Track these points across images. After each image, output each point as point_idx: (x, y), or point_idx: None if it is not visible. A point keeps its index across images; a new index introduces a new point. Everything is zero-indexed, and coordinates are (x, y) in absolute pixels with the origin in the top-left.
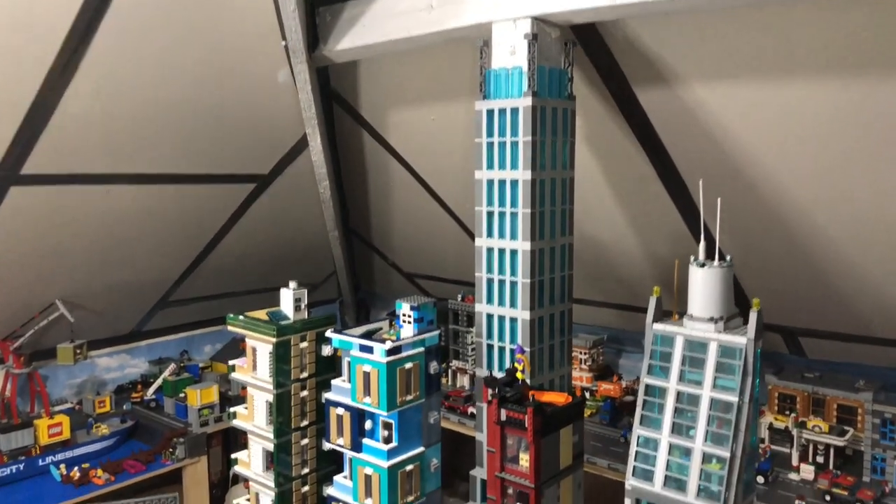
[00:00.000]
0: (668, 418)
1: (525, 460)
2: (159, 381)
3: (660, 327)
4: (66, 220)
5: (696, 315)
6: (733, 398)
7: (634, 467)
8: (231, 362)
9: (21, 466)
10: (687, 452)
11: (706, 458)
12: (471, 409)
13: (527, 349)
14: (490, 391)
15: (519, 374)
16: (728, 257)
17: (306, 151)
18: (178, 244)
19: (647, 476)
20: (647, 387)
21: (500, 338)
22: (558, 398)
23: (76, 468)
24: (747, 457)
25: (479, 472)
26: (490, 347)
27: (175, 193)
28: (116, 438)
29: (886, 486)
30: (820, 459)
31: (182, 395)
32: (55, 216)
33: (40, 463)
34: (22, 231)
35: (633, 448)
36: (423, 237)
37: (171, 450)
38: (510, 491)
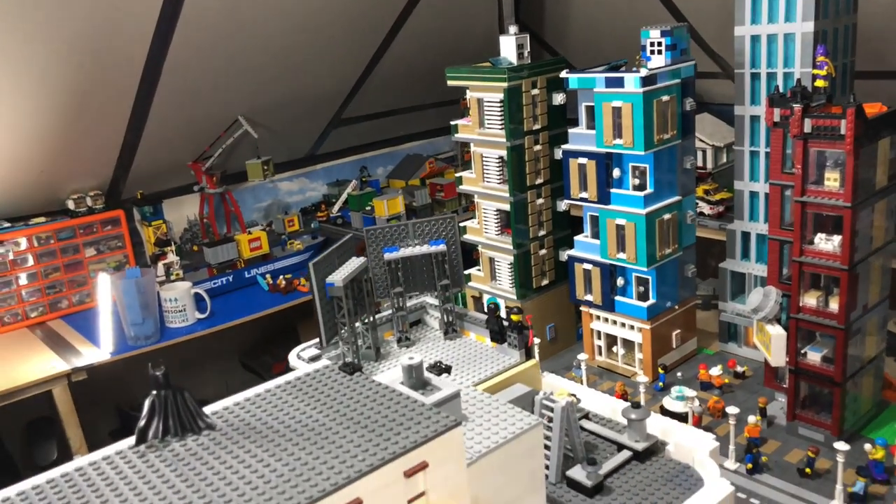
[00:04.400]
0: None
1: (834, 179)
2: (344, 196)
3: None
4: (242, 23)
5: None
6: None
7: None
8: (454, 122)
9: (230, 278)
10: None
11: None
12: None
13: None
14: (778, 109)
15: (820, 82)
16: None
17: None
18: (349, 48)
19: None
20: None
21: (770, 63)
22: (870, 108)
23: (280, 277)
24: None
25: (731, 265)
26: (755, 77)
27: None
28: (311, 252)
29: None
30: None
31: (368, 207)
32: (231, 19)
33: (246, 275)
34: (202, 40)
35: None
36: (603, 21)
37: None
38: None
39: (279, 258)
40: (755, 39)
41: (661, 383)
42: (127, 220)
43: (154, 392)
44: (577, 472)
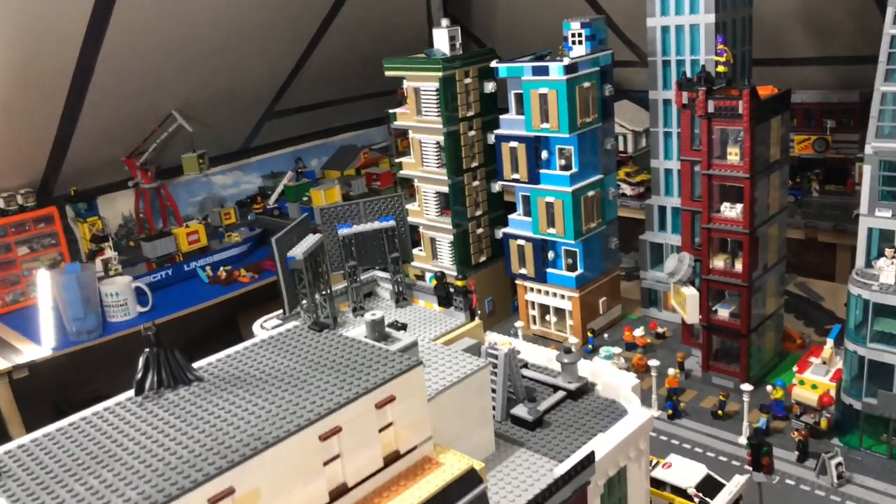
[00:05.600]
0: None
1: (734, 154)
2: (280, 188)
3: None
4: (175, 18)
5: None
6: None
7: (878, 128)
8: (391, 110)
9: (169, 272)
10: None
11: None
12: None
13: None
14: (685, 92)
15: (721, 68)
16: None
17: None
18: (281, 41)
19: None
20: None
21: (679, 51)
22: (763, 91)
23: (221, 269)
24: None
25: (650, 236)
26: (666, 64)
27: None
28: (249, 244)
29: None
30: None
31: (305, 198)
32: (164, 14)
33: (186, 268)
34: (135, 36)
35: (877, 108)
36: (528, 14)
37: None
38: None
39: (218, 250)
40: (665, 30)
41: (590, 346)
42: (60, 218)
43: (147, 349)
44: (520, 410)
